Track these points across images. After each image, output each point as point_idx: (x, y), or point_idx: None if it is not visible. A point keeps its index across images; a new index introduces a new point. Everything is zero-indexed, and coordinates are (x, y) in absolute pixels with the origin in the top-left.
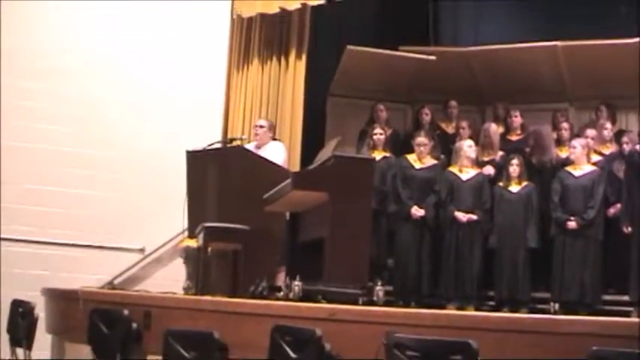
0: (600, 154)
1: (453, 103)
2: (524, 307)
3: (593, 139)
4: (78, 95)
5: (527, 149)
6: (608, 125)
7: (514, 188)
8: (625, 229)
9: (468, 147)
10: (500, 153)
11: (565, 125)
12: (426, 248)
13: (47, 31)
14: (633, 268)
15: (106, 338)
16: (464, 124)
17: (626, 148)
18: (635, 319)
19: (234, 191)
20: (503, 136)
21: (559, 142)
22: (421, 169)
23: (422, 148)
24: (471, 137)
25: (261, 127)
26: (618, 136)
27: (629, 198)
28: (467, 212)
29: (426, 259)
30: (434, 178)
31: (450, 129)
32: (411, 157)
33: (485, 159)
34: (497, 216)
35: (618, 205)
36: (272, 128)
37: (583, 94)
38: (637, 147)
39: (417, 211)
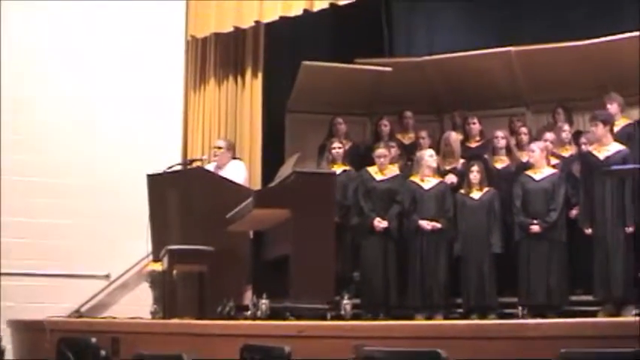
0: (559, 156)
1: (408, 113)
2: (492, 313)
3: (552, 142)
4: (35, 123)
5: (486, 155)
6: (567, 127)
7: (476, 195)
8: (585, 231)
9: (429, 156)
10: (462, 161)
11: (524, 130)
12: (392, 259)
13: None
14: (597, 268)
15: None
16: (423, 133)
17: (584, 148)
18: (603, 319)
19: (197, 213)
20: (462, 143)
21: (518, 147)
22: (382, 180)
23: (382, 160)
24: (430, 146)
25: (220, 147)
26: (576, 137)
27: (586, 198)
28: (430, 221)
29: (392, 270)
30: (395, 188)
31: (406, 140)
32: (372, 170)
33: (447, 167)
34: (461, 223)
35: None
36: (231, 148)
37: (539, 98)
38: (589, 148)
39: (380, 223)
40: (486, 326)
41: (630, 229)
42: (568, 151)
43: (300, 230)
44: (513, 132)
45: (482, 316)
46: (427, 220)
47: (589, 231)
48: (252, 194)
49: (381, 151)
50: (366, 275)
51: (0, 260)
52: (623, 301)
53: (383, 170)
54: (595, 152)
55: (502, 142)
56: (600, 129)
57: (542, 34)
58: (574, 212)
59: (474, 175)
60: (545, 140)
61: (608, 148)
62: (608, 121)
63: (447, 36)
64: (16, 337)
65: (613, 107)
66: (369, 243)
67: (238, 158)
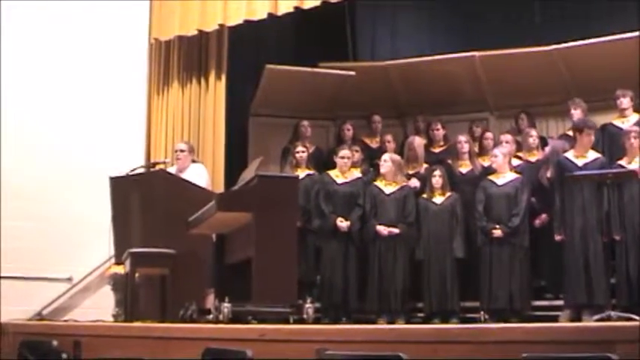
0: (526, 161)
1: (377, 117)
2: (454, 317)
3: (508, 142)
4: None
5: (449, 160)
6: (534, 133)
7: (438, 199)
8: (557, 236)
9: (383, 161)
10: (425, 165)
11: (489, 134)
12: (352, 263)
13: None
14: (571, 274)
15: None
16: (389, 137)
17: (546, 152)
18: (564, 324)
19: (159, 215)
20: (426, 148)
21: (483, 152)
22: (343, 183)
23: (346, 160)
24: (395, 151)
25: (182, 151)
26: (541, 143)
27: (561, 204)
28: (389, 226)
29: (352, 274)
30: (356, 192)
31: (374, 143)
32: (333, 173)
33: (411, 172)
34: (423, 228)
35: (543, 216)
36: (192, 151)
37: (503, 103)
38: (567, 155)
39: (341, 222)
40: (448, 330)
41: (616, 237)
42: (535, 156)
43: (262, 234)
44: (474, 137)
45: (444, 321)
46: (387, 224)
47: (559, 237)
48: (214, 197)
49: (345, 152)
50: (326, 278)
51: None
52: (602, 307)
53: (344, 173)
54: (573, 159)
55: (465, 147)
56: (591, 138)
57: (506, 38)
58: (537, 222)
59: (437, 179)
60: (507, 142)
61: (586, 155)
62: (595, 130)
63: (411, 40)
64: None
65: (577, 112)
66: (329, 246)
67: (199, 161)
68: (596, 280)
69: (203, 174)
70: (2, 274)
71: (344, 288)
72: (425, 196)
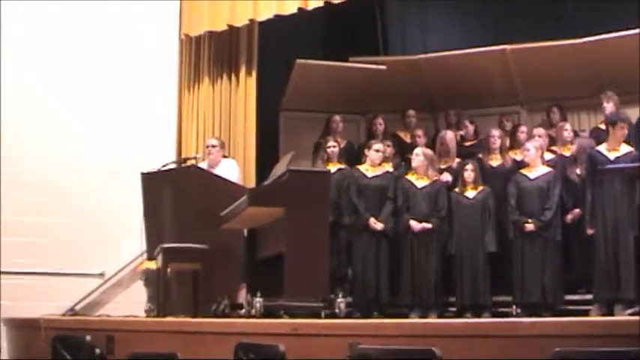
0: (561, 156)
1: (411, 112)
2: (486, 311)
3: (540, 135)
4: (30, 123)
5: (480, 154)
6: (568, 126)
7: (470, 193)
8: (588, 231)
9: (415, 155)
10: (457, 160)
11: (522, 128)
12: (384, 258)
13: None
14: (602, 269)
15: None
16: (419, 132)
17: (573, 149)
18: (597, 318)
19: (191, 211)
20: (457, 142)
21: (516, 146)
22: (373, 177)
23: (380, 154)
24: (426, 145)
25: (213, 146)
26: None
27: (592, 198)
28: (422, 220)
29: (385, 268)
30: (387, 185)
31: (408, 138)
32: (363, 167)
33: (443, 166)
34: (455, 222)
35: (576, 210)
36: (223, 146)
37: (534, 97)
38: (598, 148)
39: (375, 224)
40: (480, 325)
41: None
42: (570, 151)
43: (294, 228)
44: (505, 130)
45: (477, 315)
46: (419, 218)
47: (591, 231)
48: (246, 192)
49: (379, 145)
50: (358, 273)
51: None
52: (632, 302)
53: (375, 167)
54: (605, 152)
55: (497, 142)
56: (624, 132)
57: (537, 32)
58: (569, 217)
59: (468, 173)
60: (540, 136)
61: (618, 149)
62: (629, 123)
63: (442, 34)
64: (11, 336)
65: (610, 105)
66: (361, 241)
67: (231, 157)
68: (627, 274)
69: (234, 169)
70: (36, 270)
71: (376, 282)
72: (457, 190)
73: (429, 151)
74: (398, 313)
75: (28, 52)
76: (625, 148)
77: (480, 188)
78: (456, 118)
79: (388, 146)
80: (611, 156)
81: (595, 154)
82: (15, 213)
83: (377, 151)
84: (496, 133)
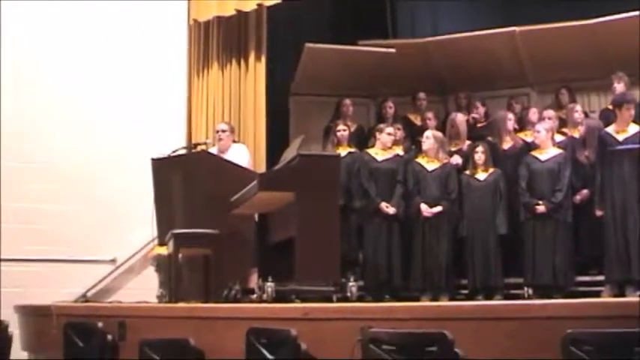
0: (572, 138)
1: (422, 95)
2: (497, 293)
3: (550, 117)
4: (39, 108)
5: (489, 137)
6: (579, 108)
7: (481, 176)
8: (598, 212)
9: (425, 138)
10: (467, 142)
11: (533, 110)
12: (395, 241)
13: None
14: (612, 249)
15: (81, 352)
16: (429, 115)
17: (581, 131)
18: (609, 299)
19: (201, 196)
20: (467, 124)
21: (522, 127)
22: (383, 160)
23: (392, 137)
24: (436, 128)
25: (224, 131)
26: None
27: (602, 180)
28: (433, 203)
29: (396, 251)
30: (397, 168)
31: (418, 121)
32: (372, 151)
33: (453, 149)
34: (466, 204)
35: (584, 191)
36: (233, 131)
37: (543, 78)
38: (607, 129)
39: (387, 208)
40: (492, 307)
41: None
42: (579, 132)
43: (305, 213)
44: (513, 112)
45: (488, 297)
46: (429, 201)
47: (600, 213)
48: (256, 177)
49: (390, 129)
50: (369, 257)
51: (6, 246)
52: None
53: (384, 150)
54: (613, 133)
55: (511, 125)
56: (631, 112)
57: (546, 13)
58: (578, 197)
59: (479, 155)
60: (549, 118)
61: (627, 130)
62: (636, 104)
63: (451, 16)
64: (23, 322)
65: (620, 86)
66: (372, 225)
67: (241, 142)
68: (637, 255)
69: (244, 154)
70: (47, 257)
71: (388, 266)
72: (467, 172)
73: (439, 134)
74: (409, 296)
75: (37, 38)
76: (634, 129)
77: (491, 170)
78: (467, 100)
79: (399, 129)
80: (620, 137)
81: (604, 136)
82: (26, 200)
83: (389, 134)
84: (510, 116)
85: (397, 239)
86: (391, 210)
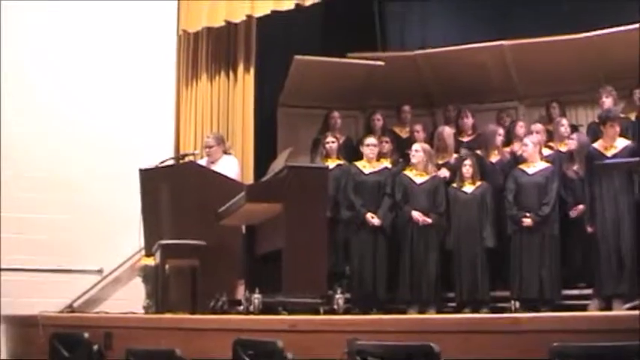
0: (558, 152)
1: (406, 107)
2: (485, 306)
3: (538, 131)
4: (28, 120)
5: (478, 150)
6: (565, 122)
7: (468, 188)
8: (589, 228)
9: (415, 151)
10: (455, 155)
11: (520, 123)
12: (381, 253)
13: None
14: (603, 263)
15: None
16: (418, 127)
17: (571, 145)
18: (596, 313)
19: (189, 207)
20: (454, 137)
21: (509, 141)
22: (371, 173)
23: (372, 148)
24: (425, 140)
25: (210, 147)
26: (572, 131)
27: (591, 196)
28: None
29: (382, 265)
30: (384, 181)
31: (403, 133)
32: (360, 164)
33: (440, 162)
34: (453, 217)
35: (580, 207)
36: (221, 141)
37: (532, 92)
38: (595, 145)
39: (372, 219)
40: (479, 320)
41: None
42: (567, 146)
43: (292, 225)
44: (502, 126)
45: (475, 310)
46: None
47: (591, 230)
48: (244, 188)
49: (371, 140)
50: (356, 269)
51: None
52: (631, 296)
53: (371, 162)
54: (601, 149)
55: (499, 140)
56: (616, 129)
57: (535, 27)
58: (574, 213)
59: (467, 168)
60: (537, 132)
61: (615, 145)
62: (620, 120)
63: (440, 30)
64: (9, 332)
65: (609, 101)
66: (359, 237)
67: (231, 153)
68: (627, 269)
69: (233, 166)
70: (34, 267)
71: (373, 278)
72: (455, 185)
73: (427, 147)
74: (396, 309)
75: (26, 50)
76: (622, 143)
77: (478, 183)
78: (455, 113)
79: (387, 142)
80: (608, 153)
81: (592, 152)
82: (13, 209)
83: (368, 146)
84: (500, 130)
85: (383, 251)
86: (376, 221)
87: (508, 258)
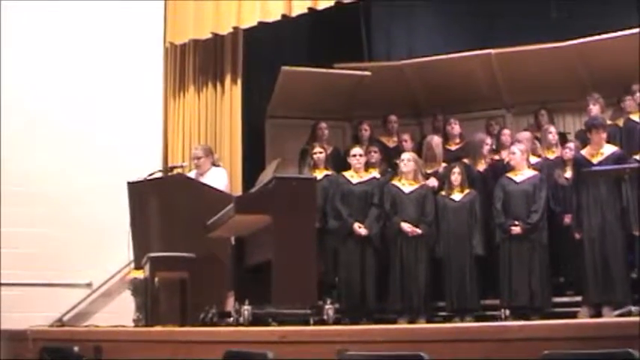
0: (546, 159)
1: (393, 117)
2: (474, 315)
3: (527, 140)
4: (11, 132)
5: (465, 159)
6: (553, 129)
7: (457, 196)
8: (577, 235)
9: (401, 162)
10: (443, 164)
11: (506, 132)
12: (369, 262)
13: None
14: (588, 270)
15: None
16: (406, 137)
17: (568, 154)
18: (586, 320)
19: (178, 220)
20: (442, 145)
21: (498, 149)
22: (358, 183)
23: (358, 158)
24: (413, 150)
25: (198, 158)
26: (561, 139)
27: (578, 203)
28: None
29: (369, 273)
30: (371, 191)
31: (390, 143)
32: (348, 174)
33: (429, 171)
34: (442, 225)
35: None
36: (209, 153)
37: (519, 100)
38: (582, 152)
39: (360, 229)
40: (469, 329)
41: (635, 232)
42: (554, 154)
43: (281, 236)
44: (491, 134)
45: (465, 319)
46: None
47: (578, 236)
48: (233, 200)
49: (356, 150)
50: (344, 279)
51: None
52: (622, 302)
53: (358, 172)
54: (588, 156)
55: (487, 149)
56: (601, 136)
57: (522, 35)
58: (567, 220)
59: (455, 176)
60: (524, 139)
61: (602, 152)
62: (606, 127)
63: (427, 39)
64: None
65: (596, 108)
66: (346, 247)
67: (219, 164)
68: (616, 276)
69: (222, 177)
70: (23, 282)
71: (361, 288)
72: (443, 193)
73: (416, 156)
74: (385, 319)
75: (11, 60)
76: (609, 149)
77: (467, 191)
78: (443, 123)
79: (375, 152)
80: (595, 160)
81: (579, 159)
82: (2, 224)
83: (355, 156)
84: (488, 139)
85: (371, 261)
86: (363, 231)
87: (497, 266)
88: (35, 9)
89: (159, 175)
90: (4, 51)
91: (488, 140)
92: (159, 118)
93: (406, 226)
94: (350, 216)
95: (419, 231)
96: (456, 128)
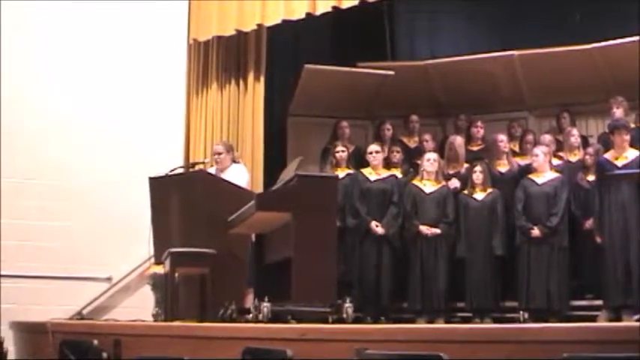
0: (568, 162)
1: (414, 117)
2: (494, 316)
3: (548, 145)
4: (36, 126)
5: (486, 160)
6: (575, 132)
7: (479, 195)
8: (598, 239)
9: (426, 161)
10: (465, 165)
11: (529, 138)
12: (386, 261)
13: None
14: (608, 274)
15: None
16: (427, 137)
17: (589, 160)
18: (606, 324)
19: (199, 215)
20: (464, 146)
21: (523, 151)
22: (376, 180)
23: (375, 155)
24: (434, 150)
25: (219, 154)
26: (583, 142)
27: (600, 206)
28: (430, 226)
29: (385, 272)
30: (390, 189)
31: (411, 143)
32: (366, 171)
33: (451, 172)
34: (464, 224)
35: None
36: (230, 150)
37: (541, 102)
38: (606, 155)
39: (377, 227)
40: (488, 330)
41: None
42: (577, 156)
43: (301, 234)
44: (513, 136)
45: (484, 320)
46: (427, 224)
47: (599, 240)
48: (254, 197)
49: (373, 147)
50: (362, 278)
51: (2, 263)
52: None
53: (376, 169)
54: (612, 159)
55: (506, 147)
56: (624, 138)
57: (545, 37)
58: (588, 224)
59: (477, 175)
60: (547, 142)
61: (626, 155)
62: (629, 130)
63: (450, 40)
64: (18, 339)
65: (619, 111)
66: (364, 245)
67: (240, 161)
68: (637, 280)
69: (243, 174)
70: (44, 274)
71: (376, 287)
72: (465, 192)
73: (438, 157)
74: (405, 319)
75: (36, 54)
76: (632, 154)
77: (489, 191)
78: (467, 123)
79: (398, 152)
80: (619, 163)
81: (603, 162)
82: (23, 217)
83: (371, 153)
84: (504, 138)
85: (388, 260)
86: (380, 230)
87: (517, 267)
88: (62, 7)
89: (180, 170)
90: (33, 49)
91: (502, 137)
92: (181, 115)
93: (424, 229)
94: (367, 214)
95: (438, 231)
96: (481, 131)
